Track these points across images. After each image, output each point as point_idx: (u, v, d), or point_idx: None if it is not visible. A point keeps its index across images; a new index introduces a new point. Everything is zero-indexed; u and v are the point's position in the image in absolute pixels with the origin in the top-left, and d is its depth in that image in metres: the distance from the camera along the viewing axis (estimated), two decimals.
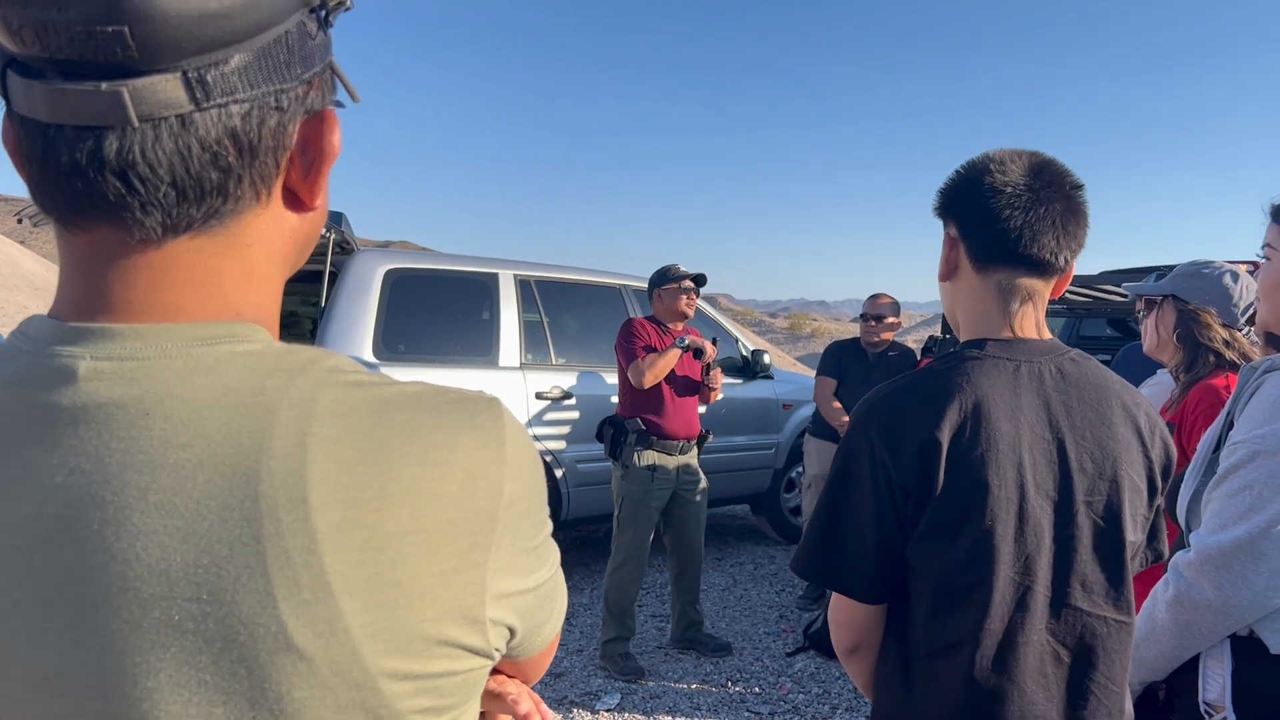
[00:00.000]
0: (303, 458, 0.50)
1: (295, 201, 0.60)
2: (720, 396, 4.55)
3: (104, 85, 0.49)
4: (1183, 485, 1.66)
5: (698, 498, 4.37)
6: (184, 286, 0.54)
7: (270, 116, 0.54)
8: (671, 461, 4.25)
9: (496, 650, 0.59)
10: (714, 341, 4.48)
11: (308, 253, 0.65)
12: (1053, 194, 1.25)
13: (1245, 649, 1.48)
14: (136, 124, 0.50)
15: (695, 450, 4.39)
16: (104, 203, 0.52)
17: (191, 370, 0.52)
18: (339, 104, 0.62)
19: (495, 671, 0.74)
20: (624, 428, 4.21)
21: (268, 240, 0.58)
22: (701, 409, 4.46)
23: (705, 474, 4.48)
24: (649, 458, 4.18)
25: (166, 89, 0.50)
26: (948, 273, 1.35)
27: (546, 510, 0.64)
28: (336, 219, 4.81)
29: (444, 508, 0.53)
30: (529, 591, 0.61)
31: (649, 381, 4.11)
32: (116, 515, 0.49)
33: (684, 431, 4.28)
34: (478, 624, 0.56)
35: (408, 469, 0.53)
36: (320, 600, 0.49)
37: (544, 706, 0.76)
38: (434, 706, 0.55)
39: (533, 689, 0.78)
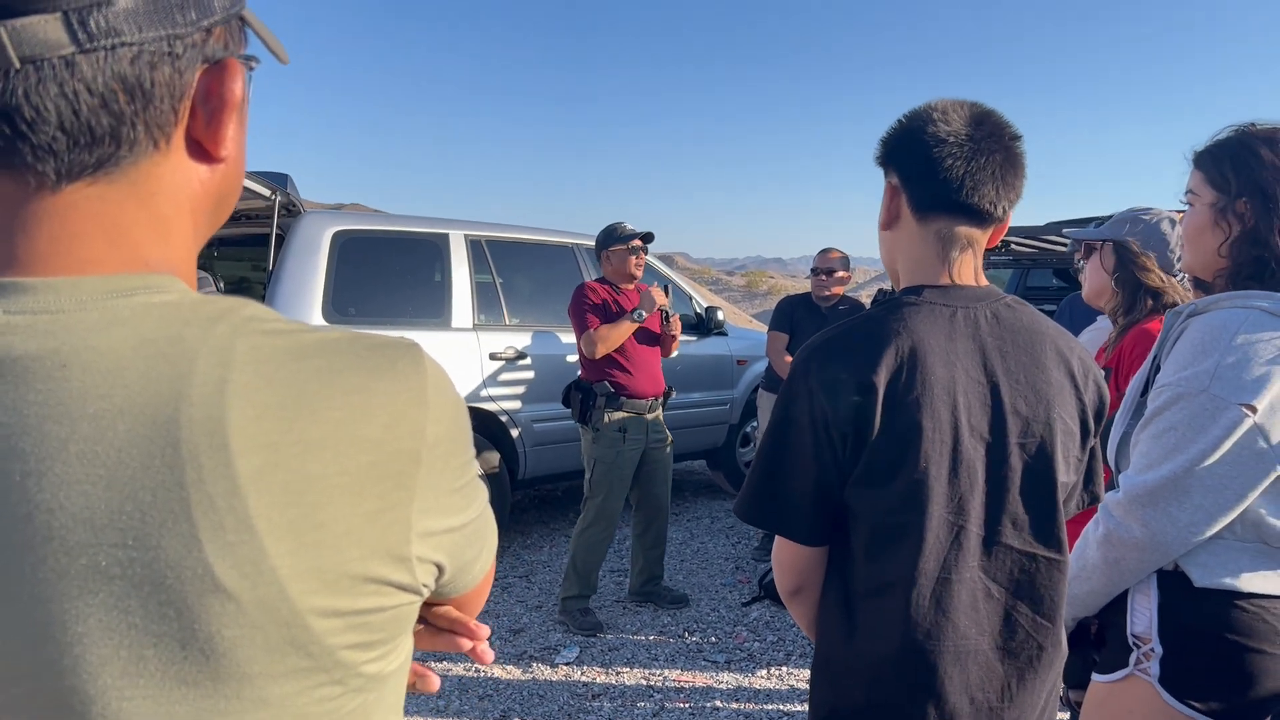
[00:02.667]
0: (222, 404, 0.51)
1: (201, 152, 0.59)
2: (680, 341, 4.55)
3: None
4: (1113, 428, 1.72)
5: (664, 454, 4.40)
6: (90, 237, 0.54)
7: (163, 63, 0.54)
8: (641, 421, 4.25)
9: (425, 586, 0.60)
10: (666, 289, 4.47)
11: (227, 206, 0.65)
12: (993, 144, 1.28)
13: (1171, 583, 1.55)
14: (18, 65, 0.49)
15: (661, 407, 4.41)
16: None
17: (108, 322, 0.52)
18: (253, 59, 0.62)
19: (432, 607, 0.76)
20: (591, 391, 4.19)
21: (173, 190, 0.58)
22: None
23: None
24: (619, 419, 4.18)
25: (47, 29, 0.49)
26: (889, 221, 1.37)
27: (472, 452, 0.65)
28: (282, 181, 4.71)
29: (366, 450, 0.55)
30: (455, 530, 0.62)
31: (601, 352, 4.11)
32: (38, 466, 0.49)
33: (651, 389, 4.29)
34: (404, 561, 0.57)
35: (328, 413, 0.54)
36: (245, 542, 0.50)
37: (473, 623, 0.79)
38: (365, 641, 0.56)
39: (489, 644, 0.80)
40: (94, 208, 0.55)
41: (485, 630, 0.78)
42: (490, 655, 0.79)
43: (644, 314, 4.16)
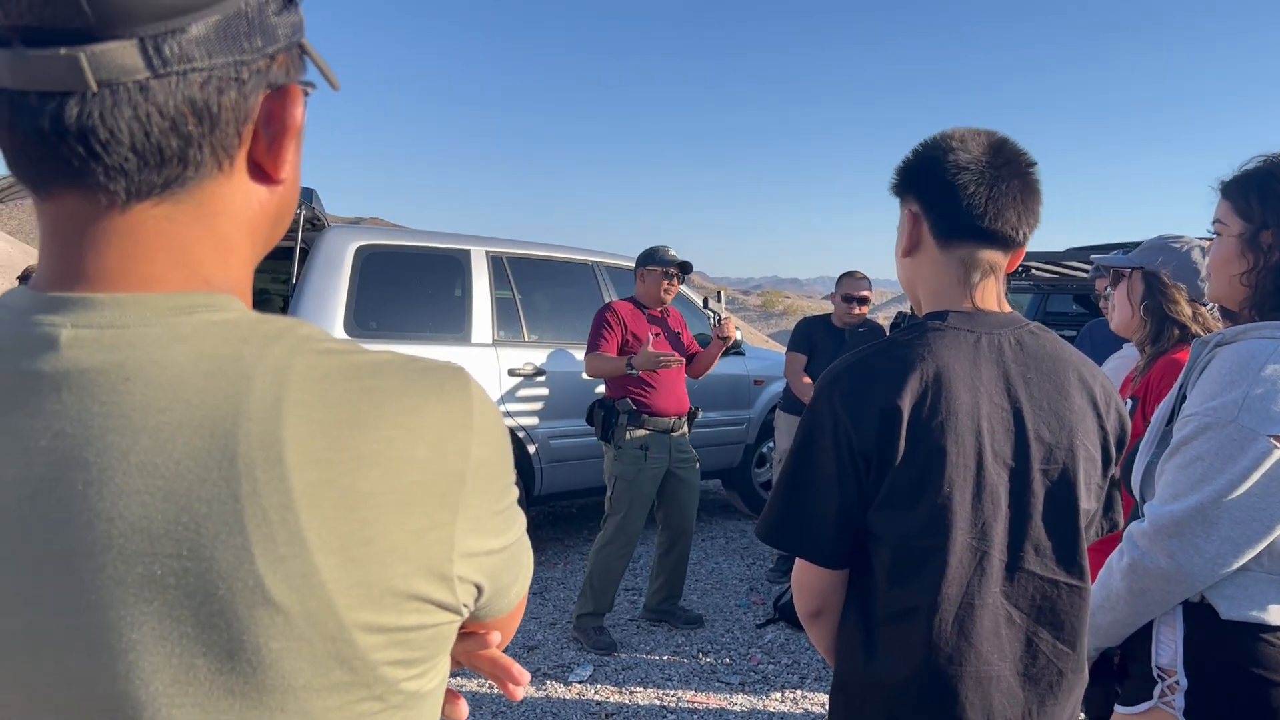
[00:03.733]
0: (278, 420, 0.52)
1: (261, 174, 0.61)
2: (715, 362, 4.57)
3: (62, 50, 0.50)
4: (1137, 457, 1.70)
5: (690, 474, 4.38)
6: (155, 255, 0.56)
7: (230, 87, 0.56)
8: (665, 439, 4.24)
9: (465, 606, 0.61)
10: (719, 321, 4.53)
11: (283, 228, 0.66)
12: (1012, 171, 1.29)
13: (1197, 615, 1.53)
14: (95, 89, 0.51)
15: (686, 427, 4.40)
16: (69, 168, 0.53)
17: (170, 338, 0.54)
18: (310, 85, 0.64)
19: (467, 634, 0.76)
20: (614, 409, 4.19)
21: (235, 211, 0.60)
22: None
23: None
24: (641, 436, 4.17)
25: (123, 55, 0.51)
26: (910, 248, 1.38)
27: (513, 476, 0.66)
28: (307, 195, 4.75)
29: (413, 469, 0.56)
30: (496, 552, 0.63)
31: (590, 375, 4.27)
32: (99, 476, 0.51)
33: (675, 408, 4.28)
34: (446, 580, 0.58)
35: (379, 432, 0.55)
36: (296, 556, 0.51)
37: (516, 668, 0.79)
38: (405, 659, 0.57)
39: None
40: (161, 227, 0.56)
41: (526, 676, 0.79)
42: (520, 694, 0.79)
43: (636, 371, 4.15)
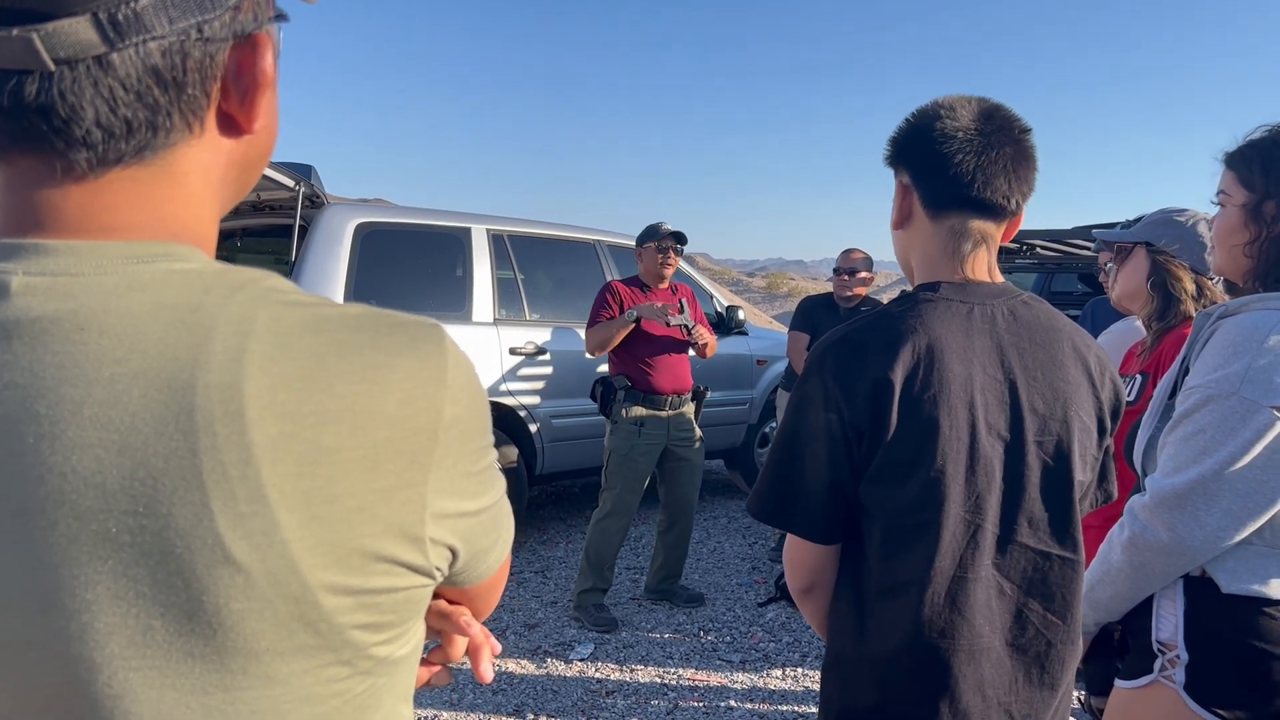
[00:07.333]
0: (239, 372, 0.50)
1: (233, 126, 0.59)
2: (712, 344, 4.47)
3: (15, 31, 0.48)
4: (1139, 431, 1.69)
5: (691, 452, 4.38)
6: (118, 206, 0.55)
7: (193, 49, 0.54)
8: (661, 416, 4.26)
9: (438, 569, 0.59)
10: (680, 306, 4.49)
11: (256, 173, 0.64)
12: (1003, 138, 1.26)
13: (1197, 589, 1.52)
14: (52, 68, 0.50)
15: (690, 405, 4.40)
16: (29, 140, 0.52)
17: (127, 286, 0.52)
18: (282, 16, 0.61)
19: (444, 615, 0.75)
20: (612, 385, 4.25)
21: (205, 168, 0.58)
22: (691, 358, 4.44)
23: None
24: (636, 412, 4.21)
25: (77, 31, 0.49)
26: (901, 220, 1.36)
27: (491, 439, 0.64)
28: (306, 171, 4.72)
29: (382, 425, 0.54)
30: (471, 515, 0.61)
31: (596, 351, 4.20)
32: (51, 429, 0.49)
33: (671, 386, 4.29)
34: (418, 541, 0.56)
35: (345, 386, 0.53)
36: (257, 513, 0.50)
37: (493, 640, 0.77)
38: (374, 623, 0.56)
39: (504, 638, 0.79)
40: (125, 186, 0.55)
41: (497, 648, 0.77)
42: (490, 676, 0.77)
43: (639, 316, 4.15)
